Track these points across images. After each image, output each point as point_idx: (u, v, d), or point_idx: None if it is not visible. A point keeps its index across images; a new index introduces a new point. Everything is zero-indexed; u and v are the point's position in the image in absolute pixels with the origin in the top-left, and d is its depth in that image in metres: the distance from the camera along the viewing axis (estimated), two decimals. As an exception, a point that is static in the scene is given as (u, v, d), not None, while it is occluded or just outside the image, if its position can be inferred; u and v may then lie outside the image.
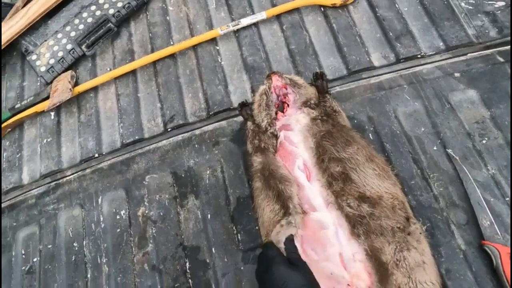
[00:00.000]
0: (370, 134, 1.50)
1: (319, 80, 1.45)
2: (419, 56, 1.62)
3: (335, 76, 1.65)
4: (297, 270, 1.02)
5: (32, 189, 1.77)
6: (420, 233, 1.13)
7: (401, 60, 1.63)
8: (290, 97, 1.44)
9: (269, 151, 1.35)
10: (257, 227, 1.40)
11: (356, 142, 1.24)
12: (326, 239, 1.13)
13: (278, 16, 1.83)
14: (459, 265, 1.25)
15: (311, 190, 1.20)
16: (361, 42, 1.70)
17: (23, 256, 1.63)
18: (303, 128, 1.33)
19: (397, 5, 1.75)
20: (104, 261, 1.53)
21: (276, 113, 1.43)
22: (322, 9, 1.81)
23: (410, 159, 1.43)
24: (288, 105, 1.44)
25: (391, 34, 1.68)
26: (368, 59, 1.65)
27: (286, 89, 1.45)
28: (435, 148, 1.43)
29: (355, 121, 1.54)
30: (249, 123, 1.47)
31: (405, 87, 1.57)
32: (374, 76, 1.63)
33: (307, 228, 1.16)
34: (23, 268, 1.61)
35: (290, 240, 1.12)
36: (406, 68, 1.61)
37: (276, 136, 1.38)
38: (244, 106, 1.53)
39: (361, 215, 1.11)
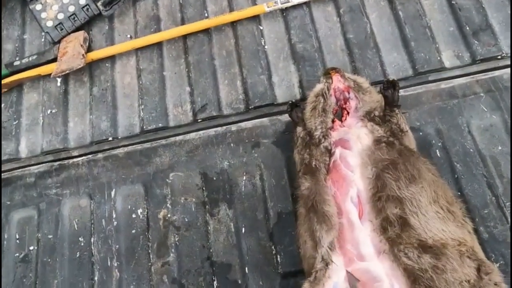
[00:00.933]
0: (437, 151, 1.31)
1: (390, 90, 1.22)
2: (499, 57, 1.41)
3: (399, 76, 1.43)
4: None
5: (31, 165, 1.54)
6: (496, 284, 0.97)
7: (477, 62, 1.41)
8: (352, 104, 1.23)
9: (320, 172, 1.14)
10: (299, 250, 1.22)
11: (422, 178, 1.05)
12: (382, 296, 0.96)
13: (334, -3, 1.58)
14: (537, 313, 1.11)
15: (361, 232, 1.02)
16: (431, 36, 1.47)
17: (18, 241, 1.42)
18: (364, 150, 1.12)
19: (477, -9, 1.51)
20: (115, 264, 1.34)
21: (333, 121, 1.22)
22: (387, -8, 1.56)
23: (484, 183, 1.26)
24: (348, 113, 1.23)
25: (467, 28, 1.45)
26: (438, 58, 1.43)
27: (349, 93, 1.24)
28: (514, 171, 1.26)
29: (421, 133, 1.34)
30: (299, 129, 1.26)
31: (481, 96, 1.37)
32: (444, 79, 1.41)
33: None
34: (17, 255, 1.40)
35: None
36: (483, 72, 1.40)
37: (329, 152, 1.18)
38: (295, 107, 1.31)
39: (423, 268, 0.93)
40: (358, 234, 1.01)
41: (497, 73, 1.39)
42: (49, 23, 1.64)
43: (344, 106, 1.24)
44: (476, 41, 1.43)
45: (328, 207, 1.05)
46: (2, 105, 1.64)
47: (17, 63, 1.63)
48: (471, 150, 1.30)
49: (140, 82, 1.56)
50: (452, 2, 1.50)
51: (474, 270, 0.96)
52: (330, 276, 0.99)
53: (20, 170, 1.53)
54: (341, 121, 1.23)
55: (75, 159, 1.51)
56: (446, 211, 1.02)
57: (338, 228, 1.03)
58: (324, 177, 1.13)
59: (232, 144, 1.42)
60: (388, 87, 1.22)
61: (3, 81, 1.61)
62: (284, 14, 1.58)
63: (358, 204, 1.05)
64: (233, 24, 1.59)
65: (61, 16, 1.64)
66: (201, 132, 1.46)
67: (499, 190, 1.24)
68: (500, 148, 1.29)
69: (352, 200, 1.06)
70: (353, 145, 1.14)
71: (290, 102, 1.32)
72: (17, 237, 1.42)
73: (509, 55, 1.40)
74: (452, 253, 0.95)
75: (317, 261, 1.00)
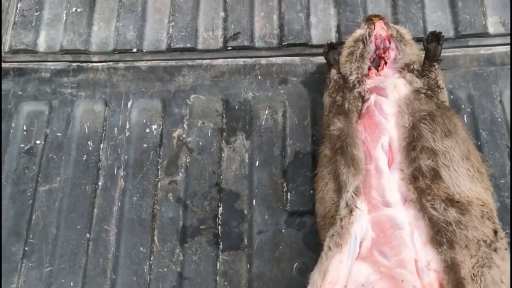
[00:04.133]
0: (465, 116, 1.31)
1: (433, 43, 1.19)
2: (547, 29, 1.39)
3: (440, 36, 1.41)
4: None
5: (48, 61, 1.49)
6: (506, 249, 1.00)
7: None
8: (391, 54, 1.22)
9: (353, 115, 1.13)
10: (311, 192, 1.22)
11: (457, 134, 1.06)
12: (401, 241, 0.98)
13: None
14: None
15: (389, 180, 1.03)
16: (480, -2, 1.44)
17: (25, 132, 1.39)
18: (401, 99, 1.11)
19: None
20: (122, 174, 1.33)
21: (369, 69, 1.21)
22: None
23: (506, 154, 1.26)
24: (385, 63, 1.21)
25: None
26: (483, 22, 1.41)
27: (390, 42, 1.22)
28: (537, 146, 1.27)
29: (452, 96, 1.33)
30: (333, 71, 1.24)
31: None
32: (485, 45, 1.40)
33: (376, 227, 1.00)
34: (22, 145, 1.38)
35: None
36: None
37: (363, 98, 1.16)
38: (333, 48, 1.28)
39: (447, 221, 0.96)
40: (385, 181, 1.02)
41: (540, 46, 1.37)
42: None
43: (382, 55, 1.22)
44: (526, 10, 1.40)
45: (357, 151, 1.05)
46: (25, -8, 1.57)
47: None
48: (499, 119, 1.30)
49: (174, -1, 1.51)
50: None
51: (492, 232, 0.98)
52: (353, 222, 0.99)
53: (36, 63, 1.49)
54: (378, 70, 1.21)
55: (95, 64, 1.46)
56: (476, 170, 1.04)
57: (365, 174, 1.04)
58: (356, 121, 1.12)
59: (259, 77, 1.39)
60: (432, 40, 1.19)
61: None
62: (333, -47, 1.52)
63: (388, 152, 1.06)
64: (280, -45, 1.52)
65: None
66: (229, 60, 1.43)
67: (520, 163, 1.25)
68: (528, 121, 1.29)
69: (383, 148, 1.06)
70: (390, 94, 1.13)
71: (329, 42, 1.29)
72: (25, 128, 1.39)
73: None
74: (476, 212, 0.97)
75: (341, 207, 1.00)
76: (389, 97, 1.12)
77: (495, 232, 0.98)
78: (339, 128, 1.10)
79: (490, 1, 1.43)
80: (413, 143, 1.02)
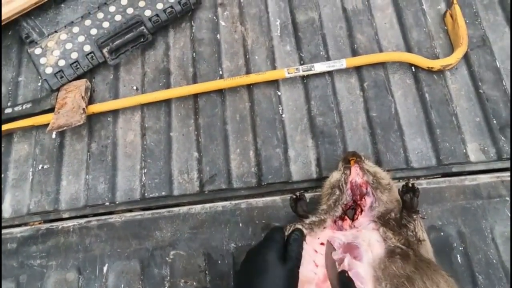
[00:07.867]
0: (458, 256, 1.20)
1: (409, 194, 1.08)
2: (527, 159, 1.33)
3: (422, 165, 1.33)
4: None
5: (14, 227, 1.38)
6: None
7: (503, 159, 1.32)
8: (367, 201, 1.11)
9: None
10: None
11: None
12: None
13: (358, 68, 1.48)
14: None
15: None
16: (457, 125, 1.38)
17: (-10, 319, 1.26)
18: (376, 262, 0.99)
19: (504, 83, 1.42)
20: None
21: (343, 219, 1.11)
22: (413, 69, 1.47)
23: None
24: (361, 211, 1.11)
25: (494, 121, 1.37)
26: (464, 150, 1.34)
27: (366, 189, 1.12)
28: (539, 294, 1.16)
29: (442, 233, 1.23)
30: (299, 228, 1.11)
31: (507, 200, 1.27)
32: (469, 174, 1.32)
33: None
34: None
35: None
36: (508, 171, 1.31)
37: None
38: (299, 200, 1.18)
39: None
40: None
41: (524, 176, 1.31)
42: (48, 70, 1.50)
43: (359, 202, 1.12)
44: (502, 137, 1.34)
45: None
46: (-12, 155, 1.49)
47: (8, 110, 1.49)
48: (494, 261, 1.19)
49: (145, 142, 1.43)
50: (480, 91, 1.41)
51: None
52: None
53: (1, 232, 1.37)
54: (352, 220, 1.11)
55: (65, 224, 1.36)
56: None
57: None
58: None
59: (241, 224, 1.29)
60: (407, 191, 1.08)
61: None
62: (305, 81, 1.47)
63: None
64: (249, 85, 1.48)
65: (62, 63, 1.51)
66: (207, 205, 1.33)
67: (522, 314, 1.14)
68: (524, 262, 1.19)
69: None
70: (364, 254, 1.00)
71: (293, 196, 1.19)
72: (-9, 313, 1.26)
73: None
74: None
75: None
76: (363, 259, 0.99)
77: None
78: None
79: (467, 127, 1.37)
80: None
